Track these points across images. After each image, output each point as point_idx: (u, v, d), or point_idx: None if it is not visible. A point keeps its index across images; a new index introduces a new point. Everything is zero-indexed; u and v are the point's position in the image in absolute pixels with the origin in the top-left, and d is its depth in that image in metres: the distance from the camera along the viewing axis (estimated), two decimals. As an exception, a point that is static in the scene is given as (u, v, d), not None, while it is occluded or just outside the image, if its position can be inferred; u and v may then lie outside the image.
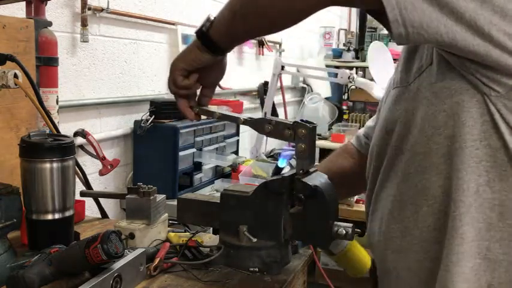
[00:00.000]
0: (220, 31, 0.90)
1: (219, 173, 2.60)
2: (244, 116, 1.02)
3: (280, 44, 3.92)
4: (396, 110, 0.89)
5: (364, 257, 1.25)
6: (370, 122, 1.21)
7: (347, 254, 1.21)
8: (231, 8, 0.87)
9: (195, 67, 0.94)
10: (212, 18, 0.91)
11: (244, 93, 3.46)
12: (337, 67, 4.10)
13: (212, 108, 1.04)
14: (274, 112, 3.34)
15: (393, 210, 0.89)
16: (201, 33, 0.91)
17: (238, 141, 2.87)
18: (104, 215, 1.44)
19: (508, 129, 0.76)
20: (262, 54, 3.63)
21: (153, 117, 2.16)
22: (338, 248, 1.19)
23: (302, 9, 0.80)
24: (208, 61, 0.94)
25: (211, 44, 0.91)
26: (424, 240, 0.84)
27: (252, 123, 1.00)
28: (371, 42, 3.84)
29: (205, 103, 1.02)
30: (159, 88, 2.47)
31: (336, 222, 0.97)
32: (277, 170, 1.07)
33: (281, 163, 1.01)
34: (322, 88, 4.41)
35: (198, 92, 1.02)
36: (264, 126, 0.98)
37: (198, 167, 2.40)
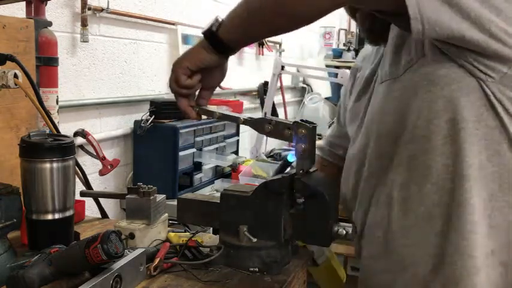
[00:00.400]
0: (231, 31, 0.91)
1: (219, 173, 2.60)
2: (244, 116, 1.02)
3: (280, 44, 3.92)
4: (388, 101, 0.95)
5: (341, 267, 1.25)
6: (330, 132, 1.33)
7: (330, 263, 1.21)
8: (246, 8, 0.89)
9: (199, 67, 0.95)
10: (220, 19, 0.93)
11: (244, 93, 3.46)
12: (337, 67, 4.10)
13: (212, 108, 1.04)
14: (274, 112, 3.34)
15: (392, 192, 0.95)
16: (209, 33, 0.93)
17: (238, 141, 2.87)
18: (104, 215, 1.44)
19: (504, 110, 0.86)
20: (262, 54, 3.63)
21: (153, 117, 2.16)
22: (322, 257, 1.18)
23: (328, 8, 0.85)
24: (213, 62, 0.95)
25: (220, 44, 0.92)
26: (428, 216, 0.91)
27: (252, 123, 1.00)
28: (371, 42, 3.83)
29: (204, 104, 1.02)
30: (159, 88, 2.47)
31: (336, 222, 0.97)
32: (285, 164, 1.07)
33: (290, 158, 1.01)
34: (322, 88, 4.41)
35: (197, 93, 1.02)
36: (264, 126, 0.98)
37: (198, 167, 2.40)
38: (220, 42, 0.92)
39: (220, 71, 1.00)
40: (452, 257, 0.89)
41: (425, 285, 0.93)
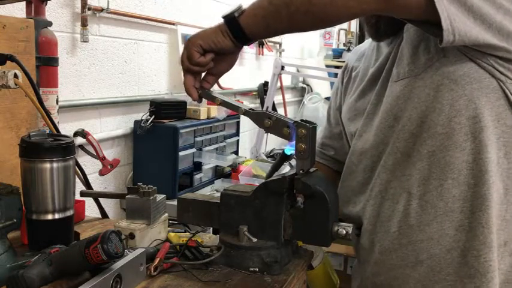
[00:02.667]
0: (253, 21, 0.92)
1: (219, 173, 2.60)
2: (245, 106, 1.01)
3: (280, 44, 3.92)
4: (407, 99, 0.97)
5: (334, 272, 1.25)
6: (320, 133, 1.34)
7: (325, 266, 1.21)
8: (273, 2, 0.90)
9: (212, 49, 0.96)
10: (243, 7, 0.93)
11: (244, 93, 3.46)
12: (337, 67, 4.10)
13: (215, 93, 1.03)
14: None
15: (410, 187, 0.97)
16: (231, 18, 0.92)
17: (238, 141, 2.87)
18: (104, 215, 1.44)
19: None
20: (262, 54, 3.63)
21: (153, 117, 2.15)
22: (317, 260, 1.18)
23: (355, 13, 0.89)
24: (227, 47, 0.95)
25: (239, 32, 0.92)
26: (448, 210, 0.94)
27: (252, 115, 0.99)
28: (371, 42, 3.84)
29: (207, 88, 1.03)
30: (159, 88, 2.47)
31: (336, 222, 0.97)
32: (283, 157, 1.07)
33: (288, 151, 1.01)
34: (322, 88, 4.41)
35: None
36: (263, 120, 0.97)
37: (198, 167, 2.40)
38: (240, 29, 0.92)
39: (230, 59, 1.00)
40: (480, 250, 0.93)
41: (443, 278, 0.96)
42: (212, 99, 1.02)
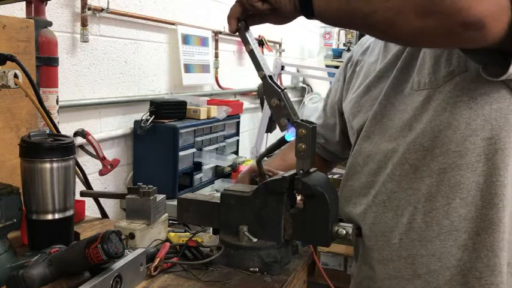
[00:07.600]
0: (325, 6, 0.86)
1: (219, 173, 2.60)
2: (268, 71, 0.98)
3: (280, 44, 3.92)
4: (424, 111, 0.94)
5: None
6: (315, 120, 1.26)
7: None
8: (351, 4, 0.83)
9: (271, 3, 0.90)
10: None
11: (244, 93, 3.46)
12: (337, 67, 4.10)
13: (250, 38, 0.99)
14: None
15: (416, 202, 0.96)
16: None
17: (238, 141, 2.87)
18: (104, 215, 1.44)
19: None
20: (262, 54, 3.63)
21: (153, 117, 2.16)
22: None
23: (434, 47, 0.90)
24: (286, 10, 0.89)
25: (308, 6, 0.87)
26: (453, 230, 0.92)
27: (266, 85, 0.97)
28: (371, 42, 3.83)
29: (248, 25, 0.99)
30: (159, 88, 2.47)
31: (336, 222, 0.97)
32: (282, 142, 1.05)
33: (288, 137, 0.99)
34: (322, 88, 4.41)
35: None
36: (272, 97, 0.96)
37: (198, 167, 2.40)
38: (310, 5, 0.87)
39: (282, 19, 0.95)
40: (482, 273, 0.91)
41: None
42: (244, 42, 0.98)
